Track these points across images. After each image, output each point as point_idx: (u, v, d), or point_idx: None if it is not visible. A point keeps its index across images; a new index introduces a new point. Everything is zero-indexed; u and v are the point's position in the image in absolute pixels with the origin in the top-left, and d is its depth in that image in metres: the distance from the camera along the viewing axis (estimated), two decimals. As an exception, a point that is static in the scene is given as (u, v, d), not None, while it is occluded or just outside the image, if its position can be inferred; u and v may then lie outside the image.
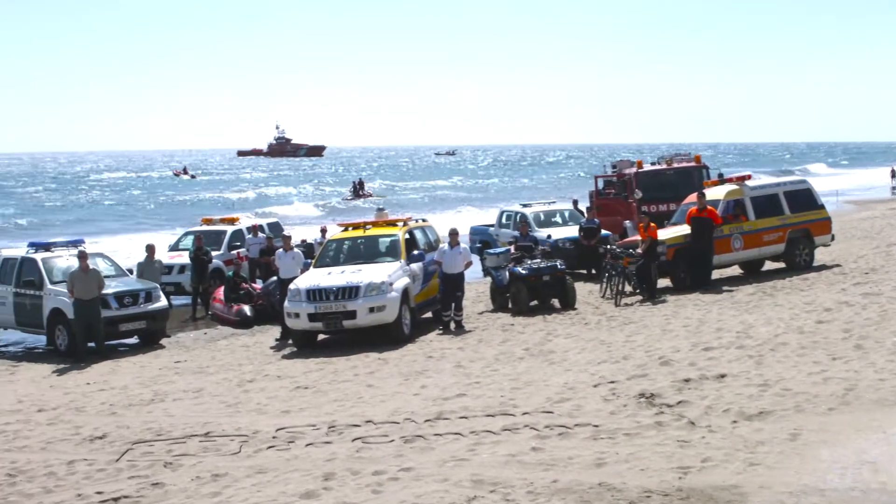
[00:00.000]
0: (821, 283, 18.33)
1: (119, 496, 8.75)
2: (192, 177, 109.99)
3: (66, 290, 17.39)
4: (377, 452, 9.38)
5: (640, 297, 18.60)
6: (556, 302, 18.84)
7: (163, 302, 18.67)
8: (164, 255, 22.67)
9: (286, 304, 16.84)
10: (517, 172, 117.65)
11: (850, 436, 8.56)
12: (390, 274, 16.73)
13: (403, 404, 11.43)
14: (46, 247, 19.28)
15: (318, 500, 8.15)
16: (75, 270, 17.36)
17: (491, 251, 20.29)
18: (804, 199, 20.97)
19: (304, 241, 24.82)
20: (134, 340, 18.59)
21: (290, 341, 17.24)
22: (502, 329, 16.88)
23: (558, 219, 25.36)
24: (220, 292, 21.06)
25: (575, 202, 29.32)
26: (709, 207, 19.38)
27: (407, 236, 18.13)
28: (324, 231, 24.32)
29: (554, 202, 28.73)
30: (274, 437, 10.31)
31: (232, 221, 25.62)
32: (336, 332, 16.95)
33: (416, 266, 17.64)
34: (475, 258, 20.83)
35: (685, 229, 19.57)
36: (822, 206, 21.35)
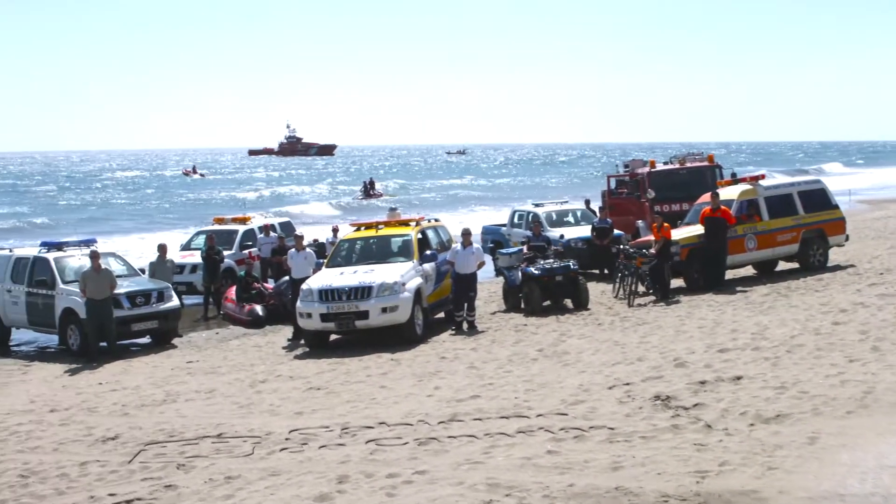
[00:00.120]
0: (835, 283, 18.17)
1: (132, 498, 8.73)
2: (202, 175, 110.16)
3: (78, 290, 17.39)
4: (391, 455, 9.32)
5: (653, 298, 18.50)
6: (568, 302, 18.76)
7: (175, 302, 18.66)
8: (175, 255, 22.69)
9: (298, 304, 16.80)
10: (530, 172, 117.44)
11: (869, 439, 8.44)
12: (403, 274, 16.67)
13: (417, 406, 11.36)
14: (59, 246, 19.29)
15: (332, 503, 8.10)
16: (87, 270, 17.36)
17: (503, 251, 20.22)
18: (818, 198, 20.84)
19: (315, 241, 24.80)
20: (146, 340, 18.60)
21: (302, 341, 17.21)
22: (515, 329, 16.80)
23: (571, 218, 25.27)
24: (232, 292, 21.05)
25: (587, 202, 29.15)
26: (722, 207, 19.26)
27: (419, 236, 18.07)
28: (335, 230, 24.29)
29: (566, 202, 28.53)
30: (287, 439, 10.26)
31: (244, 221, 25.55)
32: (348, 333, 16.91)
33: (428, 266, 17.57)
34: (487, 258, 20.74)
35: (699, 229, 19.46)
36: (837, 206, 21.20)
